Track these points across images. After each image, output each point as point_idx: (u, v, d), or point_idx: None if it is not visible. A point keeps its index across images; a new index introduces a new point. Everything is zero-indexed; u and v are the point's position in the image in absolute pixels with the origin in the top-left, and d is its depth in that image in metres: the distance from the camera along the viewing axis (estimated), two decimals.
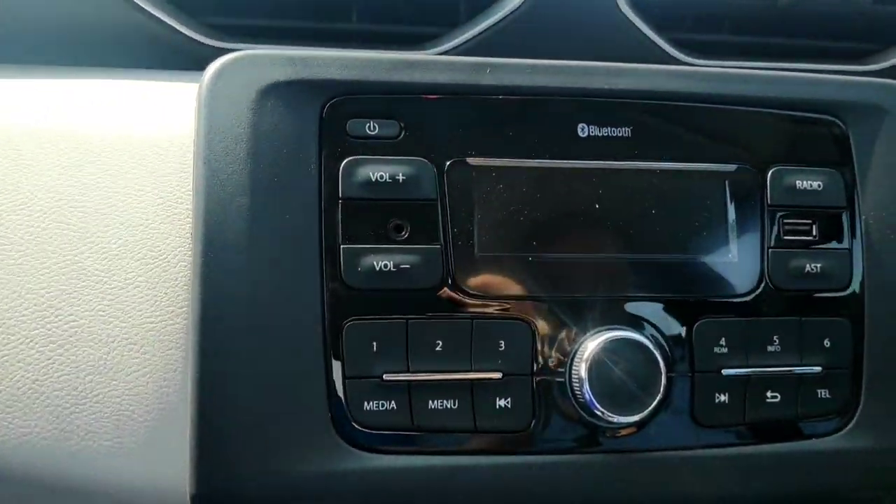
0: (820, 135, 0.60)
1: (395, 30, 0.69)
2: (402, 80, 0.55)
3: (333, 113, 0.54)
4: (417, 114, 0.54)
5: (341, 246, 0.52)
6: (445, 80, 0.55)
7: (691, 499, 0.55)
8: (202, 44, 0.65)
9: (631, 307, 0.55)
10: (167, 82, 0.62)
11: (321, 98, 0.54)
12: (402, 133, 0.54)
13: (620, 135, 0.57)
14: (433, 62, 0.56)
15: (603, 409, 0.52)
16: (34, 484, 0.53)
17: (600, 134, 0.56)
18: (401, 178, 0.53)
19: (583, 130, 0.56)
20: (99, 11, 0.65)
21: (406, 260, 0.53)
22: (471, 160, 0.55)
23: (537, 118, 0.56)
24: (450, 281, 0.53)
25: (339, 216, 0.53)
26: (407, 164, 0.54)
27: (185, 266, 0.53)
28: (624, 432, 0.54)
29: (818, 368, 0.57)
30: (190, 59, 0.66)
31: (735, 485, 0.56)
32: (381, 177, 0.53)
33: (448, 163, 0.54)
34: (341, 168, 0.53)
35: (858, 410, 0.57)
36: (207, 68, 0.54)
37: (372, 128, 0.54)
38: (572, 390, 0.53)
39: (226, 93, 0.53)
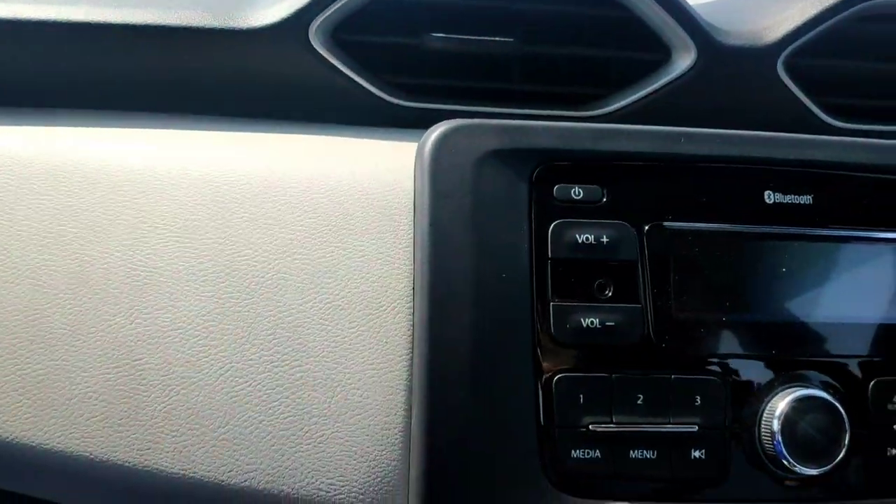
0: None
1: (556, 90, 0.73)
2: (605, 148, 0.59)
3: (542, 178, 0.58)
4: (618, 179, 0.59)
5: (551, 303, 0.56)
6: (643, 148, 0.59)
7: None
8: (386, 101, 0.69)
9: (815, 366, 0.59)
10: (360, 138, 0.66)
11: (532, 164, 0.58)
12: (605, 197, 0.58)
13: (803, 202, 0.60)
14: (632, 131, 0.60)
15: (792, 461, 0.56)
16: None
17: (785, 201, 0.60)
18: (605, 240, 0.57)
19: (769, 197, 0.60)
20: (286, 68, 0.69)
21: (610, 318, 0.57)
22: (667, 224, 0.58)
23: (727, 185, 0.60)
24: (651, 338, 0.57)
25: (549, 275, 0.57)
26: (610, 227, 0.58)
27: (404, 316, 0.57)
28: (808, 483, 0.57)
29: None
30: (368, 114, 0.70)
31: None
32: (587, 239, 0.57)
33: (647, 227, 0.58)
34: (550, 230, 0.57)
35: None
36: (429, 134, 0.58)
37: (577, 193, 0.58)
38: (762, 443, 0.57)
39: (448, 159, 0.57)
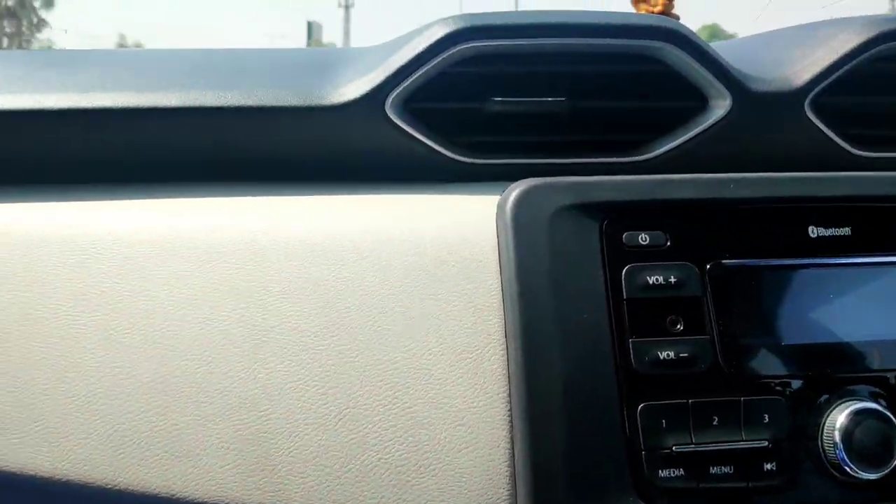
0: None
1: (604, 139, 0.80)
2: (664, 197, 0.66)
3: (611, 228, 0.65)
4: (679, 224, 0.66)
5: (630, 340, 0.63)
6: (698, 195, 0.67)
7: None
8: (456, 160, 0.76)
9: (868, 381, 0.66)
10: (436, 195, 0.74)
11: (601, 216, 0.65)
12: (668, 241, 0.65)
13: (843, 233, 0.68)
14: (687, 180, 0.67)
15: (854, 468, 0.62)
16: None
17: (827, 234, 0.67)
18: (672, 280, 0.64)
19: (812, 231, 0.67)
20: (365, 137, 0.76)
21: (683, 350, 0.64)
22: (726, 262, 0.66)
23: (775, 222, 0.67)
24: (721, 365, 0.64)
25: (626, 314, 0.64)
26: (676, 268, 0.65)
27: (497, 358, 0.64)
28: (870, 486, 0.64)
29: None
30: (439, 172, 0.77)
31: None
32: (657, 280, 0.64)
33: (709, 265, 0.65)
34: (623, 274, 0.64)
35: None
36: (508, 193, 0.66)
37: (644, 238, 0.65)
38: (825, 453, 0.63)
39: (527, 215, 0.65)
